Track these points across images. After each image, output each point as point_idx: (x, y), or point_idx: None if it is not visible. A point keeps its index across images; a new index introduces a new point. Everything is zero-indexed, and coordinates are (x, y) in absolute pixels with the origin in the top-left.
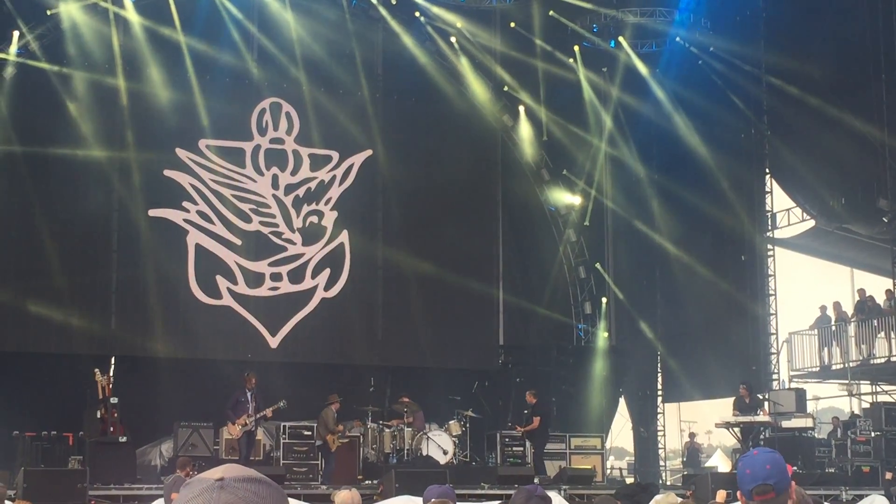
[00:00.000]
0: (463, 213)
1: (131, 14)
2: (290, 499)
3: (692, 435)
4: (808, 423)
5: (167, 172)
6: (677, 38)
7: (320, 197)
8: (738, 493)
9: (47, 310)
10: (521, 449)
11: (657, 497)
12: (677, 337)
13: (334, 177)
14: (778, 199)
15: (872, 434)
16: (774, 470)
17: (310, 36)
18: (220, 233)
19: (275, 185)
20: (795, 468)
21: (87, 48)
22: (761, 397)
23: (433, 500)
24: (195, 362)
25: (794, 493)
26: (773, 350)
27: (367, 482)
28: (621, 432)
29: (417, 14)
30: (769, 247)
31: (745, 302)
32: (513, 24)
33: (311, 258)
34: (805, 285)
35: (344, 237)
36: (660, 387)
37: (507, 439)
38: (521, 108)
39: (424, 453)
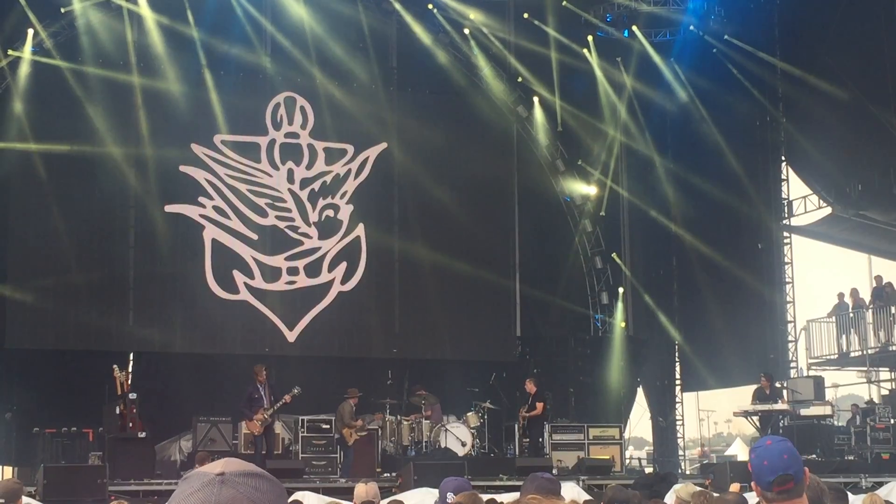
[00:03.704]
0: (478, 204)
1: (145, 10)
2: (308, 492)
3: None
4: (827, 410)
5: (183, 168)
6: (691, 27)
7: (336, 190)
8: (753, 484)
9: (65, 307)
10: (541, 440)
11: (676, 487)
12: (694, 326)
13: (349, 170)
14: (794, 186)
15: (892, 421)
16: (791, 459)
17: (323, 29)
18: (236, 228)
19: (290, 179)
20: (813, 456)
21: (101, 45)
22: (780, 386)
23: (451, 492)
24: (213, 357)
25: (808, 480)
26: (791, 338)
27: (385, 475)
28: (640, 422)
29: (430, 6)
30: (786, 234)
31: (762, 290)
32: (526, 15)
33: (327, 252)
34: (822, 273)
35: (360, 230)
36: (678, 376)
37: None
38: (536, 99)
39: (443, 445)
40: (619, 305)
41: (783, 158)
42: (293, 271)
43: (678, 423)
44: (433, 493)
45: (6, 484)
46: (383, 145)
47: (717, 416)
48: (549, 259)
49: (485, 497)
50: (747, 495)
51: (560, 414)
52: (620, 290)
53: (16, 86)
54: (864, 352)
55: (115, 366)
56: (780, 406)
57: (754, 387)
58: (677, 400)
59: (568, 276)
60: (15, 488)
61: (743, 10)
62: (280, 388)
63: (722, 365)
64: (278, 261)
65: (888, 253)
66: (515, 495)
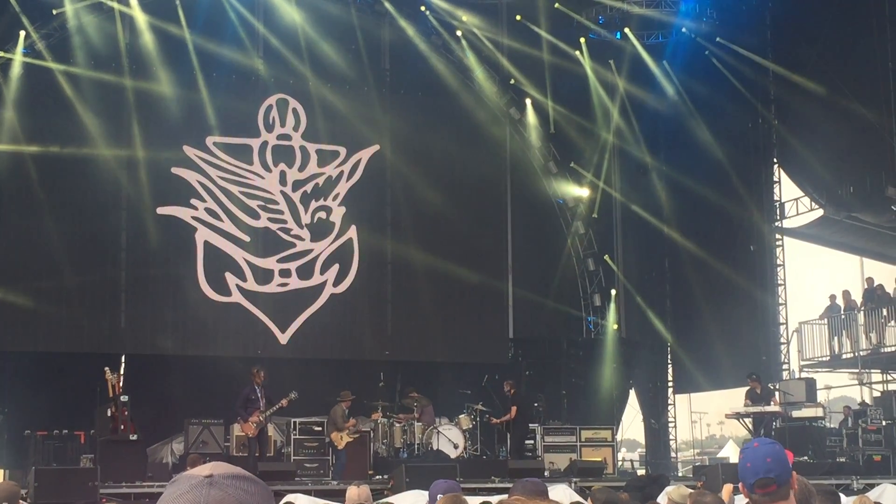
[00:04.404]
0: (471, 206)
1: (137, 12)
2: (300, 495)
3: None
4: (819, 412)
5: (175, 170)
6: (683, 29)
7: (328, 192)
8: (741, 485)
9: (57, 309)
10: (532, 442)
11: (668, 489)
12: (687, 328)
13: (342, 172)
14: (786, 188)
15: (883, 423)
16: (774, 463)
17: (315, 31)
18: (228, 230)
19: (282, 181)
20: (805, 458)
21: (93, 47)
22: (772, 387)
23: (441, 494)
24: (205, 359)
25: (796, 483)
26: (783, 340)
27: (377, 477)
28: (632, 424)
29: (423, 8)
30: (778, 236)
31: (755, 292)
32: (518, 17)
33: (319, 254)
34: (814, 275)
35: (352, 232)
36: (670, 378)
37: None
38: (528, 101)
39: (435, 447)
40: (612, 307)
41: (775, 160)
42: (285, 273)
43: (670, 424)
44: (425, 496)
45: (7, 486)
46: (375, 147)
47: (710, 417)
48: (541, 261)
49: (478, 500)
50: (738, 496)
51: (552, 416)
52: (613, 292)
53: (7, 88)
54: (856, 354)
55: (106, 368)
56: (772, 408)
57: (746, 388)
58: (670, 402)
59: (560, 278)
60: (15, 490)
61: (735, 13)
62: (272, 391)
63: (714, 367)
64: (270, 263)
65: (880, 255)
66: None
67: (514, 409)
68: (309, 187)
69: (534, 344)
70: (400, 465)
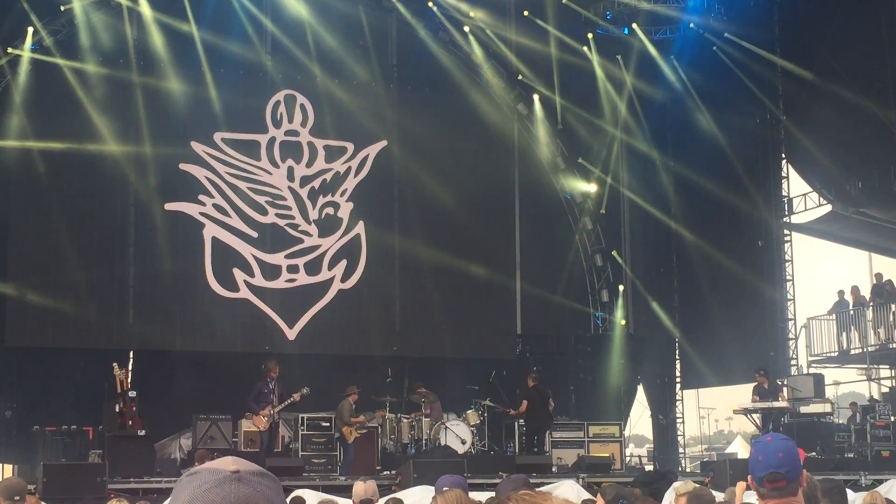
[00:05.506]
0: (479, 202)
1: (145, 8)
2: (307, 490)
3: None
4: (827, 408)
5: (183, 166)
6: (691, 24)
7: (336, 188)
8: (749, 478)
9: (65, 305)
10: (547, 437)
11: (675, 484)
12: (695, 323)
13: (349, 168)
14: (794, 183)
15: (892, 418)
16: (786, 458)
17: (323, 27)
18: (236, 225)
19: (290, 177)
20: (813, 453)
21: (101, 43)
22: (779, 383)
23: (446, 489)
24: (213, 355)
25: (805, 481)
26: (791, 335)
27: (385, 473)
28: (640, 420)
29: (430, 4)
30: (786, 232)
31: (763, 287)
32: (526, 13)
33: (327, 250)
34: (822, 270)
35: (360, 228)
36: (678, 373)
37: (524, 428)
38: (536, 97)
39: (442, 443)
40: (620, 303)
41: (783, 156)
42: (293, 269)
43: (678, 420)
44: (432, 491)
45: (12, 481)
46: (383, 143)
47: (718, 413)
48: (549, 257)
49: (486, 495)
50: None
51: (560, 412)
52: (621, 287)
53: (16, 84)
54: (865, 349)
55: (114, 364)
56: (779, 403)
57: (754, 384)
58: (677, 397)
59: (568, 273)
60: (21, 485)
61: (743, 8)
62: (284, 384)
63: (722, 362)
64: (278, 259)
65: (888, 250)
66: None
67: (524, 402)
68: (317, 183)
69: (541, 340)
70: (407, 460)
